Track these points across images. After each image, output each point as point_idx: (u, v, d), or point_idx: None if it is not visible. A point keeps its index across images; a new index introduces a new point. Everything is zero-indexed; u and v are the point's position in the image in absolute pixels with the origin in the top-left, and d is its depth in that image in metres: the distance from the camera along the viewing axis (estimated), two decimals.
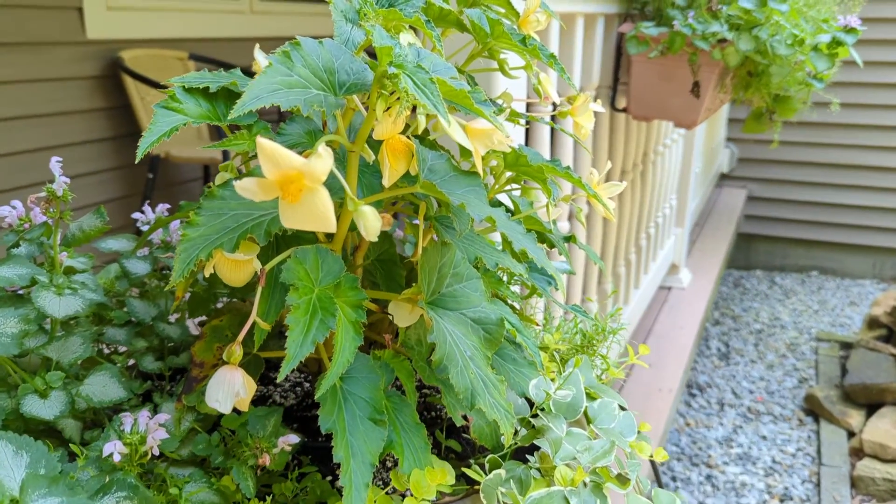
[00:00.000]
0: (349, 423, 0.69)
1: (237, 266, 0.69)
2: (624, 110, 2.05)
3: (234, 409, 0.69)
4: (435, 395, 0.95)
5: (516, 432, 0.84)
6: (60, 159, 0.89)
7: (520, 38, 0.84)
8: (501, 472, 0.78)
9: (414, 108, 0.69)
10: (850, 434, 2.99)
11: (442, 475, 0.73)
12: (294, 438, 0.78)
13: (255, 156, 0.75)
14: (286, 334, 0.63)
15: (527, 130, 1.53)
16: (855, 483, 2.71)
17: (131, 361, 1.01)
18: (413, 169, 0.72)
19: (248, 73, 0.75)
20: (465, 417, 0.82)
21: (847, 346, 3.70)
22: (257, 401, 0.94)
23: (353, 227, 0.70)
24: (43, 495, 0.56)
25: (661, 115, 2.01)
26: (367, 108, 0.69)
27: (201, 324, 0.99)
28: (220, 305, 1.02)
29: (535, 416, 0.84)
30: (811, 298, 4.47)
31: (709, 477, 2.78)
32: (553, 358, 1.02)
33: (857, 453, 2.84)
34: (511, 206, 1.00)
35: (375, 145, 0.70)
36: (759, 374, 3.53)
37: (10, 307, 0.81)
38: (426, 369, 0.78)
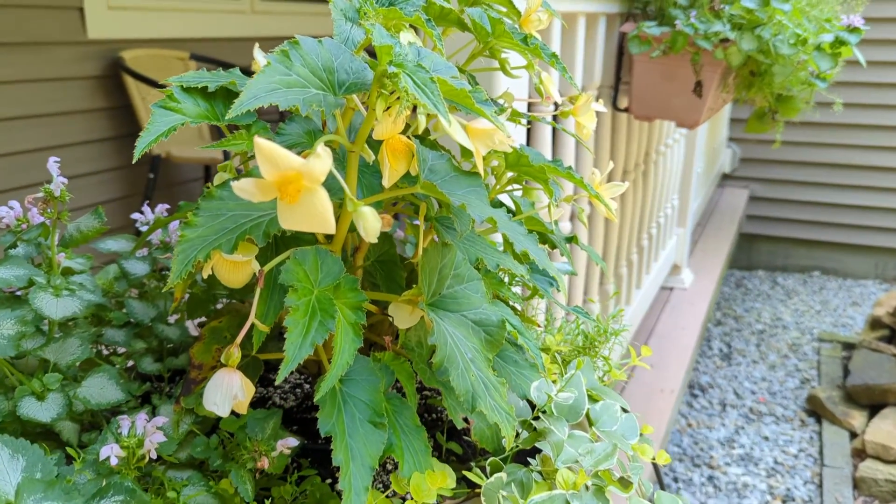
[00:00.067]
0: (349, 425, 0.68)
1: (236, 267, 0.69)
2: (626, 110, 2.05)
3: (233, 412, 0.68)
4: (436, 396, 0.95)
5: (518, 435, 0.83)
6: (58, 159, 0.88)
7: (521, 37, 0.83)
8: (503, 475, 0.77)
9: (414, 108, 0.68)
10: (853, 435, 2.98)
11: (442, 478, 0.73)
12: (293, 442, 0.77)
13: (254, 156, 0.74)
14: (285, 336, 0.62)
15: (528, 130, 1.52)
16: (857, 484, 2.70)
17: (130, 363, 1.00)
18: (413, 169, 0.71)
19: (248, 72, 0.74)
20: (466, 420, 0.81)
21: (849, 346, 3.69)
22: (257, 402, 0.94)
23: (353, 228, 0.69)
24: (39, 500, 0.56)
25: (663, 114, 2.00)
26: (366, 108, 0.68)
27: (200, 325, 0.98)
28: (219, 306, 1.02)
29: (536, 418, 0.83)
30: (813, 299, 4.46)
31: (711, 478, 2.77)
32: (555, 359, 1.01)
33: (860, 454, 2.83)
34: (512, 207, 0.99)
35: (375, 145, 0.69)
36: (761, 375, 3.52)
37: (6, 308, 0.80)
38: (427, 371, 0.77)
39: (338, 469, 0.66)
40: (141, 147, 0.66)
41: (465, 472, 0.78)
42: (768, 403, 3.29)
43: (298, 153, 0.56)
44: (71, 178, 2.86)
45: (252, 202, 0.63)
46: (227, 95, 0.75)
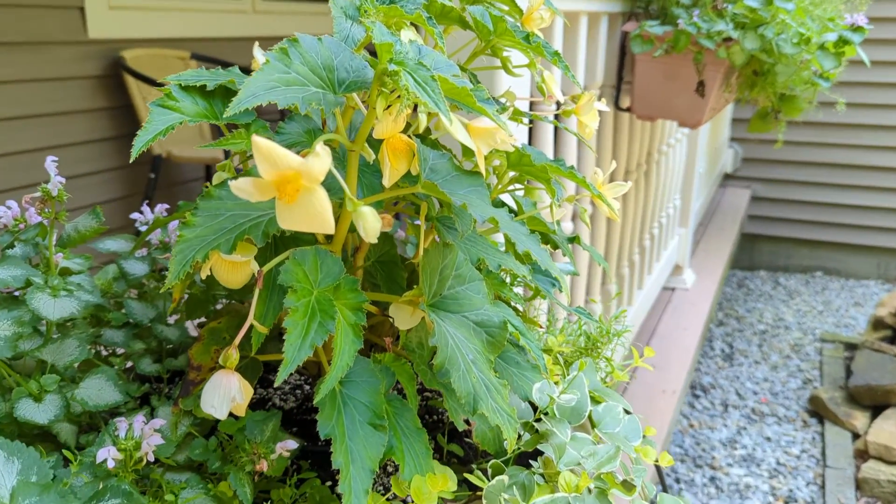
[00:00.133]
0: (349, 428, 0.67)
1: (234, 268, 0.68)
2: (628, 110, 2.04)
3: (232, 414, 0.68)
4: (437, 398, 0.94)
5: (519, 437, 0.82)
6: (56, 159, 0.87)
7: (523, 35, 0.83)
8: (504, 477, 0.76)
9: (415, 107, 0.67)
10: (855, 436, 2.97)
11: (443, 481, 0.72)
12: (292, 444, 0.76)
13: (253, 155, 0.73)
14: (285, 337, 0.62)
15: (530, 130, 1.52)
16: (860, 485, 2.69)
17: (129, 364, 0.99)
18: (414, 168, 0.71)
19: (249, 71, 0.73)
20: (467, 421, 0.81)
21: (852, 347, 3.68)
22: (257, 403, 0.93)
23: (354, 228, 0.68)
24: (34, 503, 0.55)
25: (666, 114, 1.99)
26: (367, 107, 0.67)
27: (200, 326, 0.97)
28: (219, 307, 1.01)
29: (538, 420, 0.82)
30: (815, 299, 4.45)
31: (713, 479, 2.76)
32: (557, 361, 1.00)
33: (862, 455, 2.82)
34: (514, 207, 0.98)
35: (376, 144, 0.69)
36: (763, 376, 3.51)
37: (3, 309, 0.80)
38: (427, 373, 0.77)
39: (338, 471, 0.65)
40: (138, 146, 0.65)
41: (466, 475, 0.77)
42: (770, 404, 3.28)
43: (298, 152, 0.56)
44: (72, 177, 2.86)
45: (251, 202, 0.63)
46: (226, 94, 0.75)
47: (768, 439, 3.02)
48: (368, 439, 0.67)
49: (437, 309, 0.73)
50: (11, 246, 0.87)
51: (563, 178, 0.98)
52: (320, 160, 0.54)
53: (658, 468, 1.89)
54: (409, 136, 0.69)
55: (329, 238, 0.75)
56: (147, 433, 0.71)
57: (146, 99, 2.99)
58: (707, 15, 1.75)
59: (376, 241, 0.65)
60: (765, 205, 4.94)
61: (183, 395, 0.81)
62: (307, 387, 0.98)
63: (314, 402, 0.66)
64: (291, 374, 0.84)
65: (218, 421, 0.80)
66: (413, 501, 0.71)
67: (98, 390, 0.82)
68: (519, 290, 1.07)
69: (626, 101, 2.04)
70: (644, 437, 0.89)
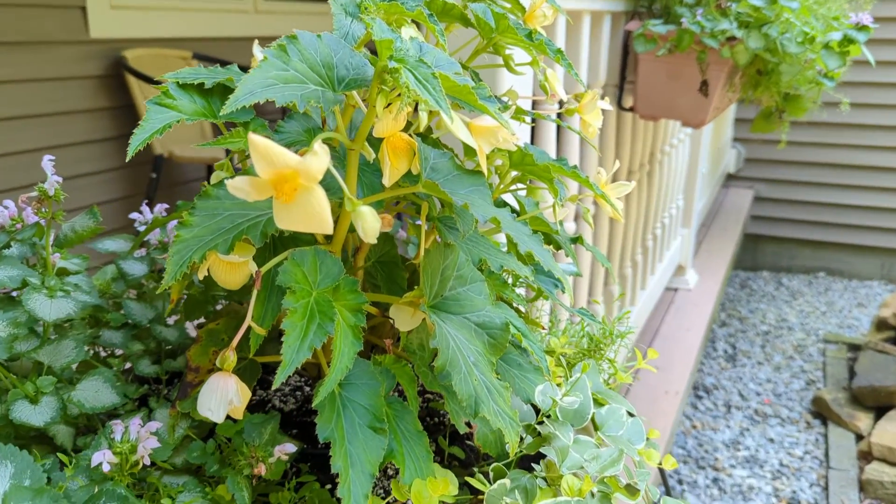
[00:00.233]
0: (348, 431, 0.66)
1: (232, 268, 0.67)
2: (631, 109, 2.03)
3: (230, 417, 0.67)
4: (438, 400, 0.93)
5: (521, 440, 0.81)
6: (53, 158, 0.86)
7: (526, 32, 0.82)
8: (506, 481, 0.75)
9: (416, 106, 0.66)
10: (859, 437, 2.96)
11: (444, 485, 0.71)
12: (291, 447, 0.75)
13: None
14: (283, 339, 0.61)
15: (532, 129, 1.51)
16: (863, 487, 2.67)
17: (128, 365, 0.98)
18: (415, 168, 0.70)
19: (248, 70, 0.72)
20: (468, 424, 0.80)
21: (855, 348, 3.67)
22: (257, 405, 0.92)
23: (353, 229, 0.67)
24: None
25: (669, 114, 1.98)
26: (367, 105, 0.66)
27: (199, 326, 0.96)
28: (218, 308, 1.00)
29: (541, 423, 0.81)
30: (818, 300, 4.44)
31: (715, 480, 2.75)
32: (559, 362, 0.99)
33: (866, 456, 2.81)
34: (516, 207, 0.97)
35: (376, 143, 0.68)
36: (766, 376, 3.50)
37: None
38: (428, 375, 0.76)
39: (338, 474, 0.64)
40: (135, 144, 0.64)
41: (467, 478, 0.76)
42: (773, 405, 3.26)
43: (297, 151, 0.55)
44: (73, 177, 2.85)
45: (249, 202, 0.62)
46: (224, 92, 0.74)
47: (771, 440, 3.00)
48: (368, 442, 0.66)
49: (439, 310, 0.72)
50: (8, 246, 0.87)
51: (566, 178, 0.97)
52: (318, 159, 0.53)
53: (661, 470, 1.87)
54: (409, 135, 0.68)
55: (328, 238, 0.74)
56: (143, 436, 0.70)
57: (147, 98, 2.99)
58: (711, 14, 1.73)
59: (376, 241, 0.64)
60: (768, 205, 4.92)
61: (181, 398, 0.80)
62: (307, 388, 0.97)
63: (313, 405, 0.65)
64: (291, 376, 0.83)
65: (216, 423, 0.79)
66: None
67: (95, 392, 0.81)
68: (521, 291, 1.06)
69: (628, 101, 2.02)
70: (648, 439, 0.88)
